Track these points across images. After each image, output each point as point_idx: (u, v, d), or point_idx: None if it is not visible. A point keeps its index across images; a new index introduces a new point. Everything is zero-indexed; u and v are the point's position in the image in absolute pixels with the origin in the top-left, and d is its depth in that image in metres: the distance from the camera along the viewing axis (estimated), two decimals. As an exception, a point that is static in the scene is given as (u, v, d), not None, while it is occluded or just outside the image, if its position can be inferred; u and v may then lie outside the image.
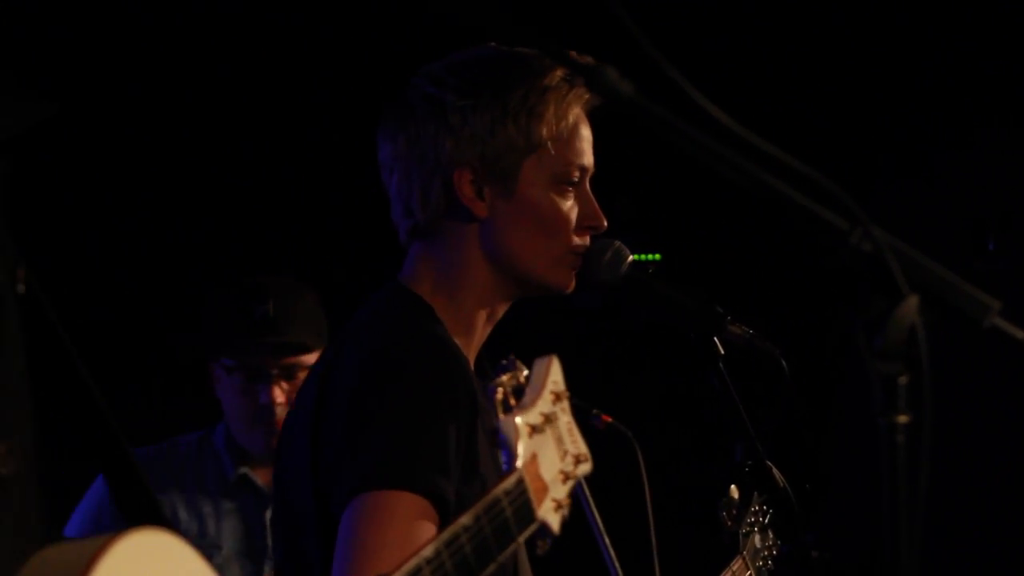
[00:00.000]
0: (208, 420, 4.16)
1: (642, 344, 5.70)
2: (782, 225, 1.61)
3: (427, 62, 2.63)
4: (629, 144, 3.21)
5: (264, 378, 3.97)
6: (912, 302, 1.60)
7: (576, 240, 2.61)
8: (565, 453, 2.05)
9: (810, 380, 5.33)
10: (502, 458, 1.94)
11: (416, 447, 2.35)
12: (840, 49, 5.66)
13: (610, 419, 3.68)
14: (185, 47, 5.04)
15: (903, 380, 1.60)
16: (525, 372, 2.01)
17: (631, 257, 2.75)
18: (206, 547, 3.94)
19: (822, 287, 5.57)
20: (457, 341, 2.52)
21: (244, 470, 4.04)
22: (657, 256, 5.22)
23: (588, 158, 2.62)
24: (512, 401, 1.96)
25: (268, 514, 3.97)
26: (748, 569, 3.24)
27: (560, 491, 2.01)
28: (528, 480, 1.94)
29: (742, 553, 3.24)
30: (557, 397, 2.06)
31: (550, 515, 1.98)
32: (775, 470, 2.98)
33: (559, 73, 2.56)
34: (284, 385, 3.96)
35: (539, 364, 2.06)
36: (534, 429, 1.98)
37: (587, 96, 2.58)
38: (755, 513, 3.23)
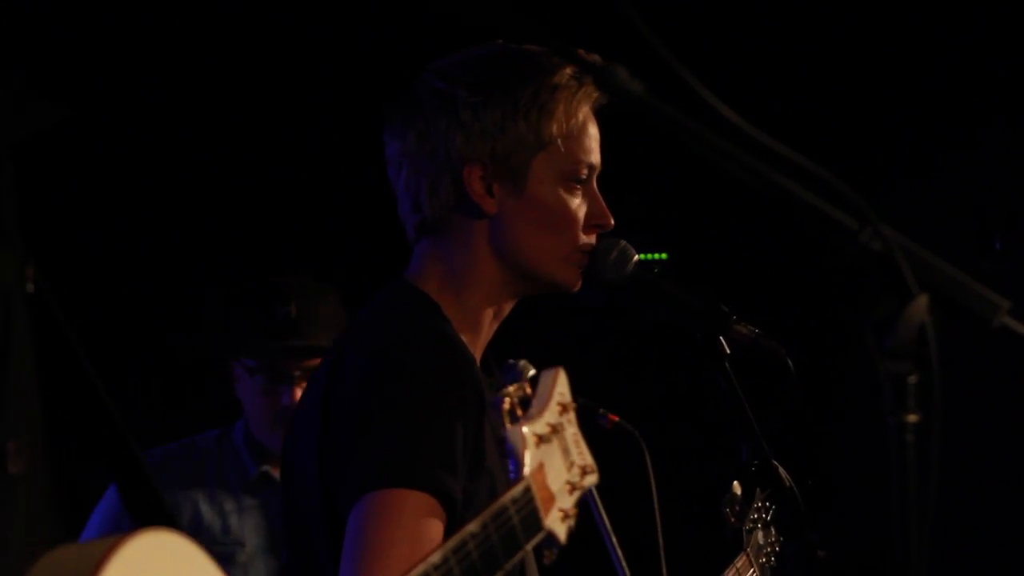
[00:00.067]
0: (210, 420, 4.16)
1: (648, 343, 5.70)
2: (792, 224, 1.61)
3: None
4: (637, 143, 3.20)
5: (286, 380, 3.97)
6: (922, 301, 1.60)
7: (584, 238, 2.60)
8: (572, 464, 2.05)
9: (816, 379, 5.33)
10: (509, 467, 1.94)
11: (423, 445, 2.34)
12: (849, 49, 5.66)
13: (617, 418, 3.68)
14: (188, 48, 5.04)
15: (913, 379, 1.60)
16: (532, 372, 2.01)
17: (637, 256, 2.75)
18: (229, 544, 3.95)
19: (827, 286, 5.57)
20: (464, 338, 2.52)
21: (265, 468, 4.05)
22: (664, 255, 5.24)
23: (596, 156, 2.62)
24: (519, 412, 1.96)
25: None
26: (752, 566, 3.24)
27: (567, 501, 2.01)
28: (535, 489, 1.94)
29: (746, 550, 3.24)
30: (564, 408, 2.06)
31: (557, 525, 1.98)
32: (781, 469, 2.98)
33: (568, 71, 2.56)
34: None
35: (546, 375, 2.06)
36: (541, 439, 1.98)
37: (596, 95, 2.58)
38: (758, 510, 3.23)
